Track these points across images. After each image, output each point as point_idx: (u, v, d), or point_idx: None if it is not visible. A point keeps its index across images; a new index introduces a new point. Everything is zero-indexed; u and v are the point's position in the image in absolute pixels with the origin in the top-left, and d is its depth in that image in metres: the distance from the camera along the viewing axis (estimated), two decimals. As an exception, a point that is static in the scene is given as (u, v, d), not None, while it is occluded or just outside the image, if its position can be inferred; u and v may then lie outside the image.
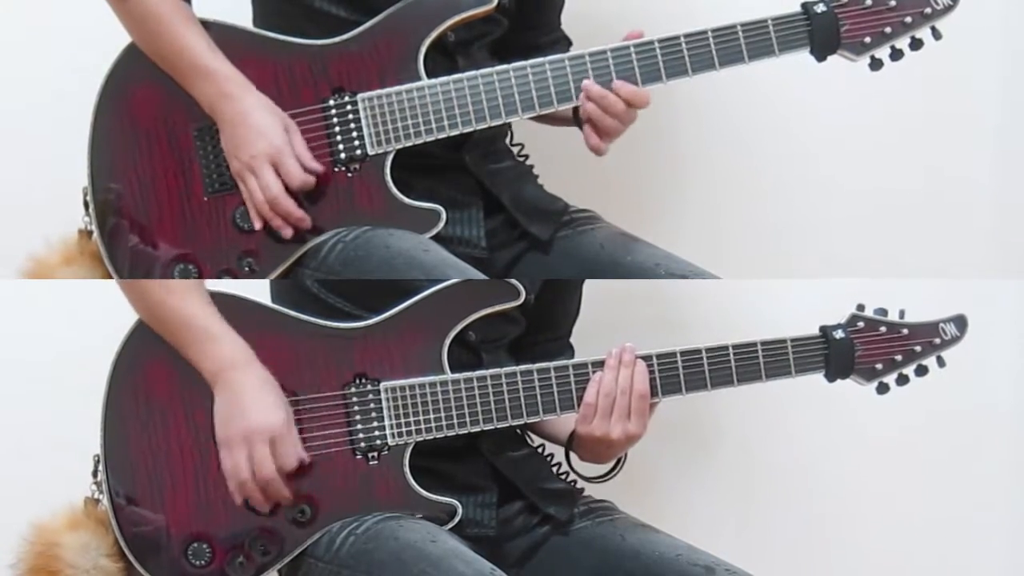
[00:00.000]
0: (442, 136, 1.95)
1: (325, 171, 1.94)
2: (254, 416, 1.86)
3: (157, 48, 1.95)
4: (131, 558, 1.90)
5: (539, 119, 2.00)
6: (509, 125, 2.04)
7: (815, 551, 2.61)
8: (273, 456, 1.86)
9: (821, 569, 2.62)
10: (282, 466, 1.87)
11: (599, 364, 1.91)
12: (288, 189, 1.92)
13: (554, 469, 2.03)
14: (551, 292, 2.05)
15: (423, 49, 1.95)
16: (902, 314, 1.96)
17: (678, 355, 1.92)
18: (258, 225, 1.94)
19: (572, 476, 2.01)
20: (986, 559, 2.64)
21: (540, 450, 2.05)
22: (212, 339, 1.89)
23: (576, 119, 1.99)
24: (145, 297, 1.93)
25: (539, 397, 1.91)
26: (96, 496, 1.93)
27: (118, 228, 1.97)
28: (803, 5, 1.94)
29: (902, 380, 1.96)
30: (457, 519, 1.91)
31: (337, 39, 1.95)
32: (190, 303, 1.91)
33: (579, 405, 1.91)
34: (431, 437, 1.91)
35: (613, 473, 2.00)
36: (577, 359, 1.93)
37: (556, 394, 1.92)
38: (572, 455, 1.98)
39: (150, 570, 1.90)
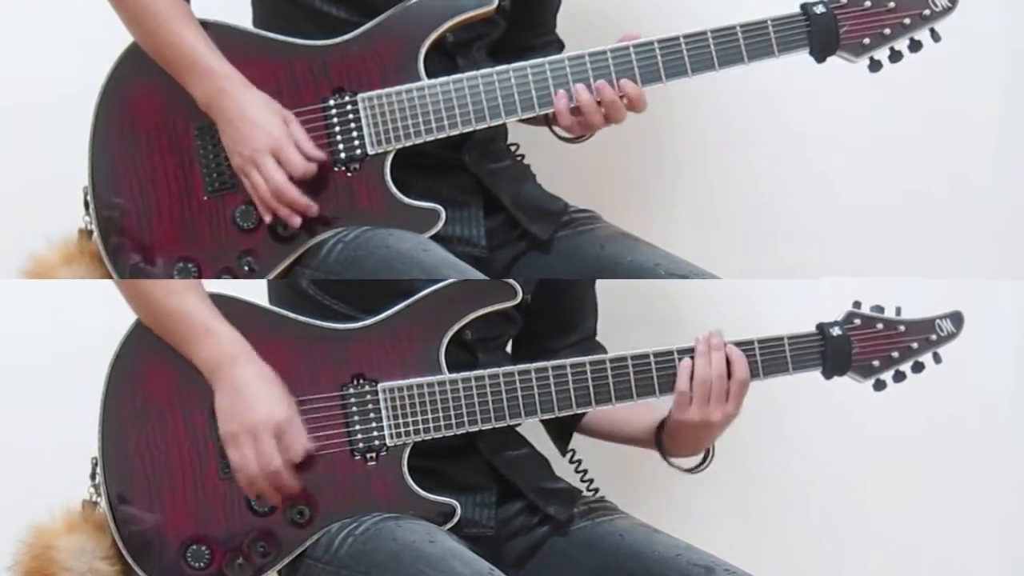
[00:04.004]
0: (442, 136, 1.95)
1: (326, 169, 1.94)
2: (258, 409, 1.86)
3: (153, 45, 1.95)
4: (129, 560, 1.90)
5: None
6: (506, 125, 2.04)
7: (814, 551, 2.61)
8: (280, 449, 1.87)
9: (820, 569, 2.62)
10: (290, 458, 1.87)
11: (597, 363, 1.91)
12: (292, 179, 1.92)
13: (573, 467, 2.05)
14: (562, 293, 2.06)
15: (423, 50, 1.95)
16: (898, 311, 1.96)
17: (675, 353, 1.92)
18: (268, 218, 1.94)
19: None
20: (986, 559, 2.65)
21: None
22: (209, 334, 1.89)
23: (546, 118, 1.99)
24: (143, 295, 1.93)
25: (537, 396, 1.91)
26: (94, 499, 1.93)
27: (122, 230, 1.98)
28: (802, 6, 1.94)
29: (899, 377, 1.96)
30: (456, 519, 1.91)
31: (338, 39, 1.96)
32: (187, 300, 1.91)
33: (576, 404, 1.92)
34: (429, 437, 1.91)
35: (706, 464, 2.01)
36: (574, 359, 1.92)
37: (554, 393, 1.91)
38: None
39: (148, 572, 1.90)
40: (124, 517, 1.90)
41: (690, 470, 2.01)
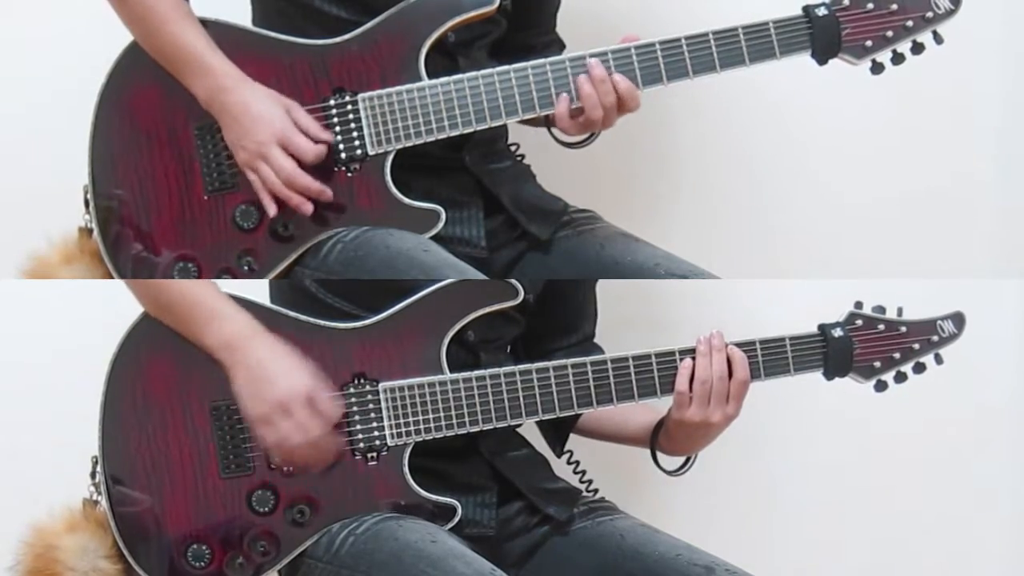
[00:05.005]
0: (442, 136, 1.95)
1: (326, 168, 1.94)
2: (281, 384, 1.86)
3: (155, 44, 1.95)
4: (130, 559, 1.90)
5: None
6: (506, 125, 2.04)
7: (814, 551, 2.61)
8: (316, 416, 1.86)
9: (821, 569, 2.62)
10: (329, 419, 1.87)
11: (598, 363, 1.91)
12: (302, 165, 1.92)
13: (571, 467, 2.05)
14: (563, 294, 2.06)
15: (424, 50, 1.95)
16: (900, 312, 1.96)
17: (676, 353, 1.92)
18: (272, 211, 1.93)
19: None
20: (986, 559, 2.65)
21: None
22: (219, 316, 1.89)
23: (546, 119, 1.99)
24: (150, 284, 1.93)
25: (538, 396, 1.91)
26: (95, 498, 1.93)
27: (121, 229, 1.98)
28: (804, 8, 1.94)
29: (900, 378, 1.96)
30: (456, 519, 1.91)
31: (338, 39, 1.95)
32: (195, 285, 1.91)
33: (577, 404, 1.92)
34: (430, 437, 1.91)
35: (688, 467, 2.01)
36: (575, 359, 1.92)
37: (555, 393, 1.91)
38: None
39: (149, 571, 1.90)
40: (124, 516, 1.91)
41: (672, 472, 2.01)
